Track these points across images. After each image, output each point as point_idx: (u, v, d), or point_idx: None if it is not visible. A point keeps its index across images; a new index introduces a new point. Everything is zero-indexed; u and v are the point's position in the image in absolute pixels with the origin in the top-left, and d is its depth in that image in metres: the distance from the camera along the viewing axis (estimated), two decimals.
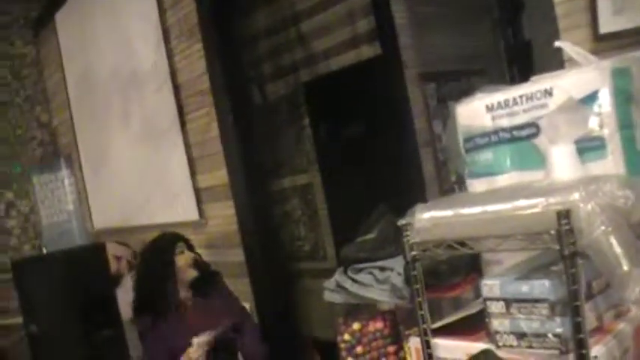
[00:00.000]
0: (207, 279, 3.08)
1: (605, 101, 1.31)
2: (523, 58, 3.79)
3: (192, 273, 3.02)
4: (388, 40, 3.40)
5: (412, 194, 3.14)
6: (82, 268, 3.09)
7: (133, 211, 4.51)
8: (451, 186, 3.31)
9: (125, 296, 3.45)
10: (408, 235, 1.41)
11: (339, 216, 4.23)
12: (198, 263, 3.06)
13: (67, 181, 4.11)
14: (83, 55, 4.95)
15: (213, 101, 3.54)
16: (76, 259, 3.19)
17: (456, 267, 1.67)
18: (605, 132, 1.32)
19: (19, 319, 3.37)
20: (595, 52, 1.65)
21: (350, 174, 4.09)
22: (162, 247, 3.07)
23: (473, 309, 1.51)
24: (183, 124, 3.80)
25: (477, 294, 1.54)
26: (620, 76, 1.33)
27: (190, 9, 3.62)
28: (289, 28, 4.30)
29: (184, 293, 3.03)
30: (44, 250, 4.44)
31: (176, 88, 3.82)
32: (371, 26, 3.67)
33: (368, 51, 3.76)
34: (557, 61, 1.72)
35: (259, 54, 4.42)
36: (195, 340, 2.81)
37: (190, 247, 3.12)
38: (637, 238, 1.19)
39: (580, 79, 1.35)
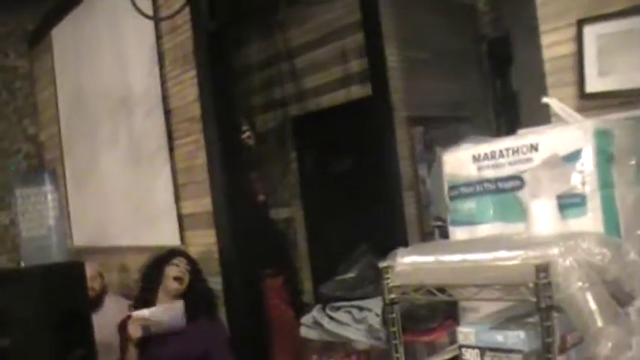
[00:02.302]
0: (199, 301, 3.21)
1: (588, 160, 1.36)
2: (509, 109, 3.87)
3: (174, 285, 3.19)
4: (379, 82, 3.46)
5: (393, 235, 3.17)
6: (59, 285, 3.07)
7: (114, 231, 4.49)
8: (432, 230, 3.34)
9: (101, 319, 3.45)
10: (388, 278, 1.43)
11: (319, 252, 4.25)
12: (190, 286, 3.22)
13: (50, 196, 4.07)
14: (76, 72, 4.97)
15: (202, 129, 3.56)
16: (54, 275, 3.16)
17: (433, 312, 1.69)
18: (587, 190, 1.36)
19: None
20: (580, 109, 1.71)
21: (332, 211, 4.12)
22: (162, 255, 3.31)
23: (447, 355, 1.53)
24: (171, 149, 3.81)
25: (452, 340, 1.56)
26: (602, 136, 1.37)
27: (187, 36, 3.65)
28: (282, 62, 4.37)
29: (167, 303, 3.17)
30: (22, 264, 4.40)
31: (167, 113, 3.83)
32: (363, 67, 3.74)
33: (358, 91, 3.82)
34: (543, 115, 1.77)
35: (251, 86, 4.48)
36: (134, 313, 3.06)
37: (193, 269, 3.28)
38: (612, 296, 1.22)
39: (565, 137, 1.39)
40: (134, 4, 3.09)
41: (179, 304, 3.12)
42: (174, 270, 3.21)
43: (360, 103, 3.78)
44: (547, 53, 1.98)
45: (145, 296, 3.26)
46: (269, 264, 3.91)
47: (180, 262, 3.25)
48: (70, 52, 5.06)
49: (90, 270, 3.70)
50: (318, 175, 4.42)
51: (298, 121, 4.47)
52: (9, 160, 5.50)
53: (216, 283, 3.47)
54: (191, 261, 3.31)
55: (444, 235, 1.66)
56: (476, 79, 4.22)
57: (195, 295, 3.23)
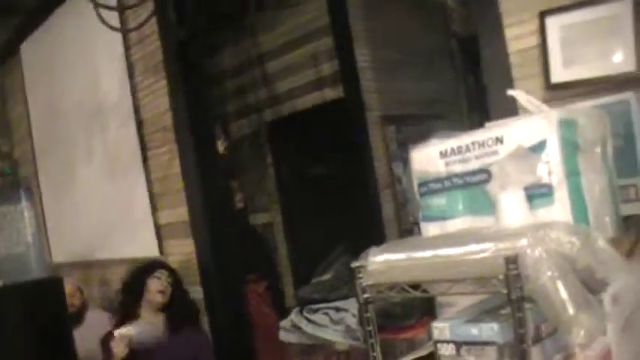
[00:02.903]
0: (181, 312, 3.22)
1: (553, 150, 1.36)
2: (482, 105, 3.89)
3: (159, 298, 3.18)
4: (350, 83, 3.47)
5: (372, 235, 3.18)
6: (39, 301, 3.08)
7: (93, 245, 4.46)
8: (410, 227, 3.35)
9: (83, 334, 3.43)
10: (361, 278, 1.43)
11: (299, 255, 4.25)
12: (173, 297, 3.21)
13: (26, 213, 4.04)
14: (48, 86, 4.93)
15: (175, 138, 3.54)
16: (33, 292, 3.17)
17: (410, 309, 1.70)
18: (554, 179, 1.37)
19: None
20: (546, 100, 1.72)
21: (311, 214, 4.12)
22: (144, 267, 3.29)
23: (425, 351, 1.53)
24: (145, 159, 3.79)
25: (430, 336, 1.56)
26: (566, 126, 1.38)
27: (156, 46, 3.63)
28: (255, 68, 4.36)
29: (148, 316, 3.18)
30: (0, 282, 4.36)
31: (139, 124, 3.81)
32: (334, 69, 3.74)
33: (331, 93, 3.83)
34: (511, 108, 1.78)
35: (224, 92, 4.46)
36: (117, 332, 2.99)
37: (175, 280, 3.27)
38: (583, 284, 1.23)
39: (529, 128, 1.40)
40: (100, 17, 3.07)
41: (160, 318, 3.13)
42: (157, 283, 3.20)
43: (334, 105, 3.79)
44: (512, 46, 2.00)
45: (128, 310, 3.24)
46: (250, 270, 3.90)
47: (162, 274, 3.24)
48: (40, 67, 5.02)
49: (69, 286, 3.68)
50: (295, 179, 4.42)
51: (273, 125, 4.47)
52: None
53: (196, 292, 3.46)
54: (172, 272, 3.30)
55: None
56: (448, 77, 4.25)
57: (177, 306, 3.23)
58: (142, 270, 3.28)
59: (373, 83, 3.63)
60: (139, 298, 3.21)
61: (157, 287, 3.19)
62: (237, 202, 4.01)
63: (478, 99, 4.00)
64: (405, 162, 3.45)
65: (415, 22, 4.09)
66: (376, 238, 3.10)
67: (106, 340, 3.13)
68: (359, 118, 3.42)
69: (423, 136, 1.66)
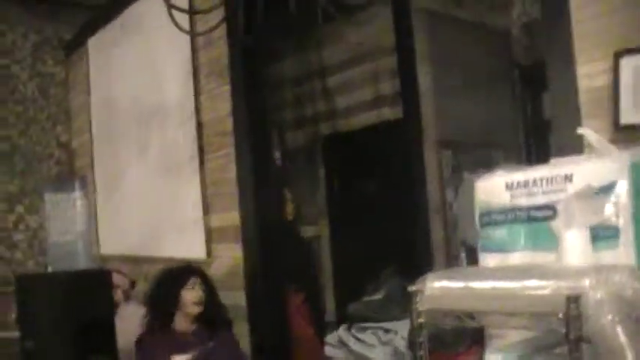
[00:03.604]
0: (214, 318, 3.13)
1: (622, 192, 1.36)
2: (540, 136, 3.85)
3: (196, 309, 3.07)
4: (410, 105, 3.46)
5: (419, 258, 3.17)
6: (85, 291, 3.11)
7: (141, 241, 4.53)
8: (457, 254, 3.33)
9: (120, 325, 3.47)
10: (417, 302, 1.44)
11: (343, 271, 4.25)
12: (206, 302, 3.10)
13: (79, 203, 4.12)
14: (111, 81, 5.04)
15: (234, 143, 3.59)
16: (80, 282, 3.21)
17: (460, 336, 1.69)
18: (620, 222, 1.36)
19: (15, 334, 3.37)
20: (614, 141, 1.70)
21: (359, 231, 4.12)
22: (175, 276, 3.15)
23: None
24: (202, 162, 3.84)
25: None
26: (638, 169, 1.37)
27: (222, 51, 3.69)
28: (315, 80, 4.40)
29: (185, 326, 3.08)
30: (49, 268, 4.46)
31: (199, 126, 3.87)
32: (395, 89, 3.75)
33: (389, 113, 3.83)
34: (574, 144, 1.77)
35: (284, 102, 4.51)
36: (176, 358, 2.90)
37: (207, 285, 3.16)
38: None
39: (600, 169, 1.39)
40: (173, 19, 3.13)
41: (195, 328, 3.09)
42: (192, 294, 3.08)
43: (391, 125, 3.79)
44: (582, 84, 1.98)
45: (163, 321, 3.10)
46: (292, 280, 3.92)
47: (195, 283, 3.11)
48: (105, 62, 5.14)
49: (115, 279, 3.74)
50: (346, 195, 4.43)
51: (329, 139, 4.50)
52: (41, 165, 5.59)
53: (239, 297, 3.48)
54: (204, 278, 3.19)
55: (471, 260, 1.66)
56: (507, 105, 4.21)
57: (211, 313, 3.13)
58: (175, 280, 3.13)
59: (433, 106, 3.61)
60: (174, 311, 3.09)
61: (192, 299, 3.07)
62: (288, 214, 4.03)
63: (536, 131, 3.96)
64: (457, 188, 3.44)
65: (478, 48, 4.07)
66: (423, 262, 3.10)
67: (141, 341, 3.11)
68: (416, 140, 3.41)
69: (478, 164, 1.66)
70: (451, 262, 3.34)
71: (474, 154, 3.70)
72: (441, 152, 3.63)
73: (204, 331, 3.08)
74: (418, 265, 1.55)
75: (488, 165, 1.66)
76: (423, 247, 3.23)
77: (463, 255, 3.13)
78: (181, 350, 2.98)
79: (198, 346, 2.99)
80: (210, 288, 3.18)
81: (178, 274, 3.18)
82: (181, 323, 3.10)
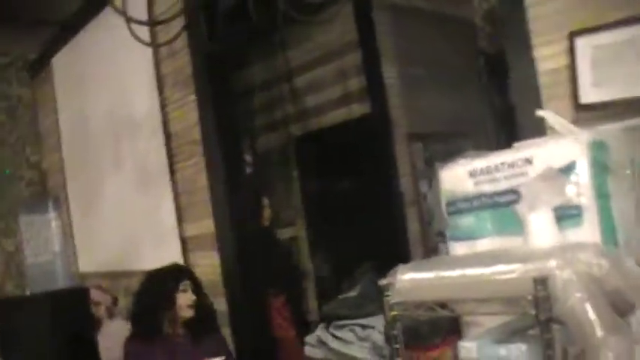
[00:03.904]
0: (204, 320, 3.08)
1: (583, 172, 1.37)
2: (508, 122, 3.87)
3: (189, 313, 3.01)
4: (377, 100, 3.47)
5: (397, 252, 3.18)
6: (65, 311, 3.11)
7: (118, 256, 4.50)
8: (435, 246, 3.34)
9: (104, 342, 3.45)
10: (388, 295, 1.44)
11: (323, 270, 4.26)
12: (198, 305, 3.04)
13: (54, 223, 4.09)
14: (78, 99, 5.00)
15: (203, 151, 3.57)
16: (59, 302, 3.20)
17: (437, 327, 1.70)
18: (583, 201, 1.37)
19: None
20: (575, 121, 1.71)
21: (336, 229, 4.13)
22: (167, 280, 3.07)
23: None
24: (172, 172, 3.82)
25: (457, 355, 1.56)
26: (597, 148, 1.38)
27: (186, 60, 3.67)
28: (283, 83, 4.39)
29: (177, 329, 3.04)
30: (27, 290, 4.43)
31: (167, 137, 3.85)
32: (362, 85, 3.75)
33: (358, 109, 3.84)
34: (540, 128, 1.78)
35: (252, 107, 4.50)
36: None
37: (197, 286, 3.10)
38: (612, 306, 1.22)
39: (559, 150, 1.40)
40: (131, 32, 3.11)
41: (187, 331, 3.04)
42: (186, 297, 3.01)
43: (361, 121, 3.80)
44: (541, 66, 1.99)
45: (154, 324, 3.01)
46: (272, 283, 3.91)
47: (186, 285, 3.05)
48: (71, 80, 5.10)
49: (97, 296, 3.72)
50: (321, 194, 4.43)
51: (300, 140, 4.50)
52: (12, 188, 5.53)
53: (220, 303, 3.47)
54: (192, 277, 3.13)
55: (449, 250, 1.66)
56: (475, 95, 4.23)
57: (200, 313, 3.07)
58: (167, 285, 3.04)
59: (400, 100, 3.63)
60: (166, 314, 3.00)
61: (186, 302, 3.00)
62: (265, 219, 4.01)
63: (504, 117, 3.98)
64: (431, 180, 3.45)
65: (442, 40, 4.09)
66: (401, 255, 3.11)
67: (129, 345, 3.04)
68: (385, 134, 3.43)
69: (449, 154, 1.67)
70: (429, 255, 3.36)
71: (445, 144, 3.72)
72: (411, 145, 3.64)
73: (194, 335, 3.03)
74: (395, 259, 1.55)
75: (460, 155, 1.66)
76: (400, 240, 3.25)
77: (441, 245, 3.15)
78: (172, 355, 2.95)
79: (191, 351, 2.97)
80: (199, 289, 3.11)
81: (170, 276, 3.10)
82: (170, 326, 3.02)
